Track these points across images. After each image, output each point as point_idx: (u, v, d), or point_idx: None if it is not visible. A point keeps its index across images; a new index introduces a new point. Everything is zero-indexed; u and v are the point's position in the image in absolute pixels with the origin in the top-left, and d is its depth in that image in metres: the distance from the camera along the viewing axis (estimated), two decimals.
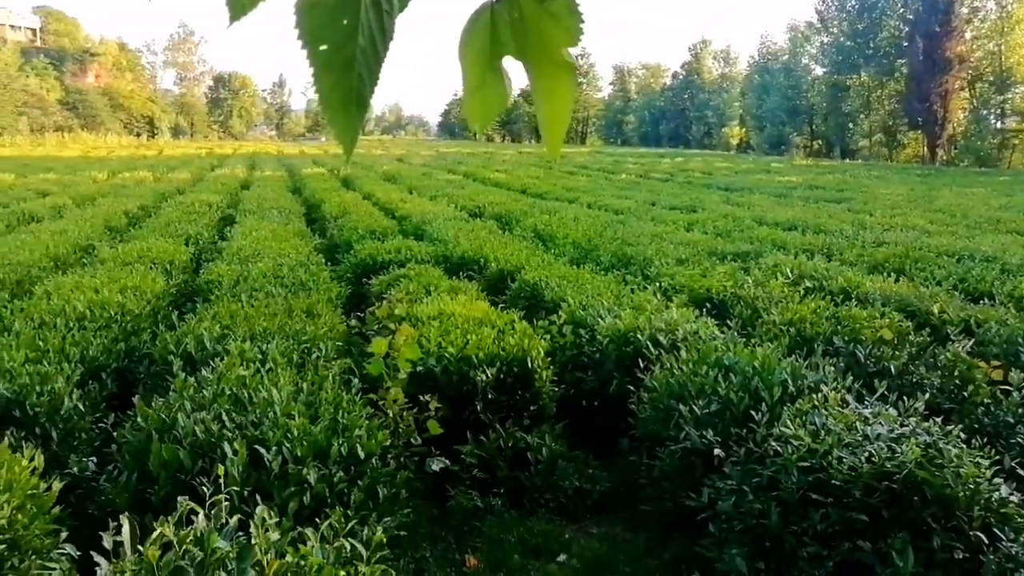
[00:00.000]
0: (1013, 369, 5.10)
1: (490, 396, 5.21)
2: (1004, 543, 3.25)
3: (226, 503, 2.82)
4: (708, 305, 7.19)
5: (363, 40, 0.78)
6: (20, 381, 4.35)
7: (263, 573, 2.48)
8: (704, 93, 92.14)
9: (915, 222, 14.64)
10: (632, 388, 5.28)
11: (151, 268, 8.16)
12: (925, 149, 59.51)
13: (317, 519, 3.13)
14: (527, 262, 8.83)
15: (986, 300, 7.57)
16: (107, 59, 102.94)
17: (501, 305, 7.14)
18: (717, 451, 4.16)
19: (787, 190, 24.09)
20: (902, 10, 61.32)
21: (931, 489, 3.33)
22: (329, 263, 9.65)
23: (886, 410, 3.97)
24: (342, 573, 2.60)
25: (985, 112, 57.33)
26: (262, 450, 3.59)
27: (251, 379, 4.28)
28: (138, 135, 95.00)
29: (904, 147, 65.35)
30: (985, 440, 4.13)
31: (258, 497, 3.30)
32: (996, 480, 3.48)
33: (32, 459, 3.31)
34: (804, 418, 3.96)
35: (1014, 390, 4.94)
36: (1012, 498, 3.44)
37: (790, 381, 4.54)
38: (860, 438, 3.64)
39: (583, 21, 0.82)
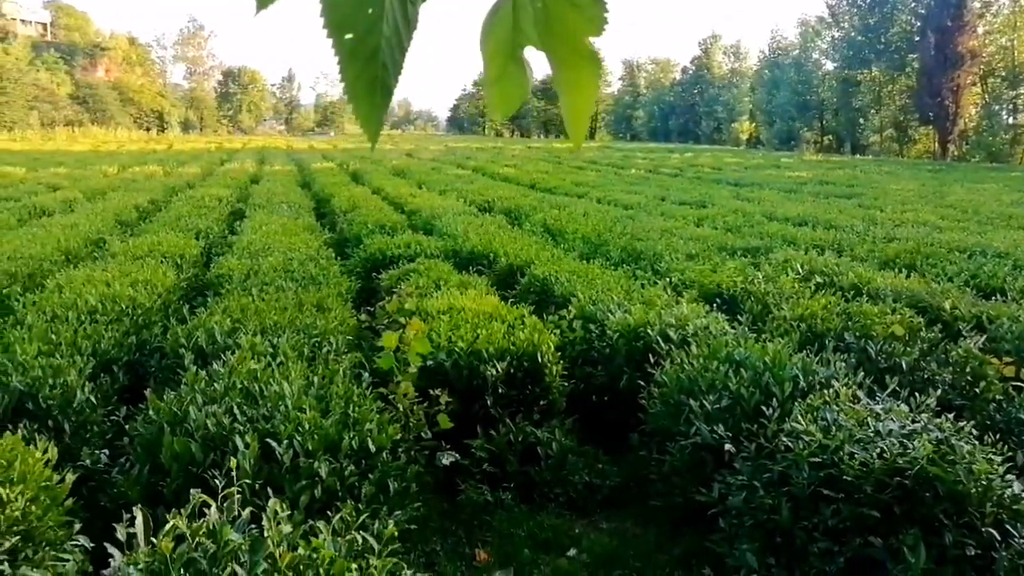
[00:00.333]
0: None
1: (500, 390, 5.21)
2: (1017, 540, 3.23)
3: (238, 496, 2.83)
4: (718, 300, 7.17)
5: (387, 29, 0.77)
6: (33, 374, 4.38)
7: (276, 566, 2.49)
8: (714, 88, 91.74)
9: (926, 218, 14.54)
10: (642, 383, 5.27)
11: (162, 262, 8.19)
12: (936, 145, 59.12)
13: (328, 512, 3.14)
14: (537, 257, 8.83)
15: (998, 296, 7.52)
16: (117, 54, 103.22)
17: (511, 300, 7.14)
18: (728, 446, 4.15)
19: (797, 185, 23.95)
20: (914, 4, 60.89)
21: (943, 485, 3.32)
22: (339, 257, 9.65)
23: (898, 406, 3.95)
24: (354, 566, 2.61)
25: (997, 107, 56.90)
26: (273, 443, 3.60)
27: (262, 373, 4.30)
28: (148, 129, 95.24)
29: (915, 143, 64.94)
30: (997, 436, 4.10)
31: (269, 490, 3.30)
32: (1008, 477, 3.46)
33: (45, 451, 3.33)
34: (815, 414, 3.95)
35: None
36: None
37: (801, 377, 4.53)
38: (871, 434, 3.62)
39: (607, 10, 0.81)
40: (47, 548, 3.00)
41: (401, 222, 12.27)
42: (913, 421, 3.75)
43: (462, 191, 18.45)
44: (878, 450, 3.47)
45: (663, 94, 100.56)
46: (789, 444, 3.76)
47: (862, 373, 4.72)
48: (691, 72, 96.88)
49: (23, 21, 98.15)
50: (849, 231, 12.26)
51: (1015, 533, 3.26)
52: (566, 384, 5.71)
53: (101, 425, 4.61)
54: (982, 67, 56.22)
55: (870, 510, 3.33)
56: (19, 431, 3.66)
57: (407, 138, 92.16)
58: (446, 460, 4.76)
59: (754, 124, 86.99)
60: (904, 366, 5.29)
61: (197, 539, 2.53)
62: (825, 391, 4.22)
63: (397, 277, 7.98)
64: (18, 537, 2.87)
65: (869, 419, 3.78)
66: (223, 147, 55.06)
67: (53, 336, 5.16)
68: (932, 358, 5.46)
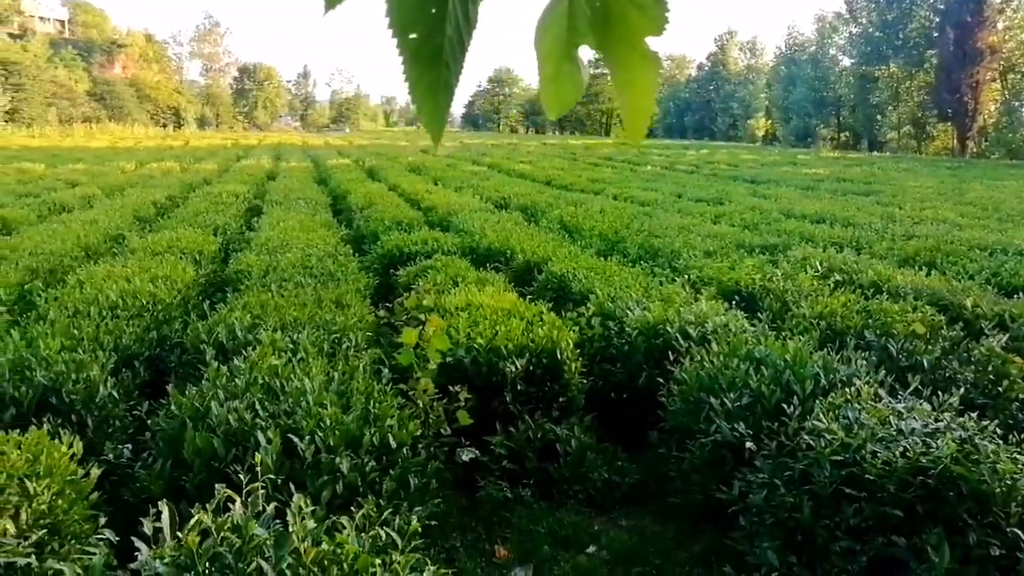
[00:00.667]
0: None
1: (519, 387, 5.22)
2: None
3: (261, 491, 2.85)
4: (737, 298, 7.15)
5: (450, 29, 0.77)
6: (56, 369, 4.41)
7: (300, 560, 2.50)
8: (730, 84, 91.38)
9: (945, 215, 14.42)
10: (661, 381, 5.26)
11: (181, 258, 8.23)
12: (955, 141, 58.56)
13: (351, 508, 3.15)
14: (554, 254, 8.82)
15: (1020, 294, 7.45)
16: (134, 50, 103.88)
17: (528, 297, 7.13)
18: (749, 444, 4.14)
19: (814, 183, 23.83)
20: (932, 0, 60.39)
21: (967, 484, 3.29)
22: (356, 254, 9.68)
23: (920, 405, 3.93)
24: (377, 561, 2.62)
25: (1017, 104, 56.26)
26: (295, 439, 3.61)
27: (283, 368, 4.31)
28: (164, 126, 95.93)
29: (933, 139, 64.40)
30: (1022, 436, 4.07)
31: (292, 486, 3.32)
32: None
33: (70, 445, 3.36)
34: (837, 412, 3.93)
35: None
36: None
37: (822, 375, 4.51)
38: (894, 432, 3.60)
39: (668, 9, 0.80)
40: (72, 542, 3.02)
41: (417, 219, 12.28)
42: (936, 420, 3.72)
43: (478, 187, 18.46)
44: (901, 449, 3.45)
45: (678, 91, 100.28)
46: (810, 442, 3.74)
47: (883, 371, 4.69)
48: (707, 68, 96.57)
49: (41, 19, 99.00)
50: (867, 228, 12.17)
51: None
52: (585, 381, 5.70)
53: (123, 420, 4.65)
54: (1002, 63, 55.58)
55: (893, 509, 3.31)
56: (44, 425, 3.69)
57: (422, 135, 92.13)
58: (466, 456, 4.78)
59: (770, 121, 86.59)
60: (926, 364, 5.25)
61: (222, 534, 2.55)
62: (846, 389, 4.20)
63: (414, 274, 7.99)
64: (44, 531, 2.89)
65: (891, 418, 3.75)
66: (239, 143, 55.30)
67: (75, 331, 5.20)
68: (954, 357, 5.41)
